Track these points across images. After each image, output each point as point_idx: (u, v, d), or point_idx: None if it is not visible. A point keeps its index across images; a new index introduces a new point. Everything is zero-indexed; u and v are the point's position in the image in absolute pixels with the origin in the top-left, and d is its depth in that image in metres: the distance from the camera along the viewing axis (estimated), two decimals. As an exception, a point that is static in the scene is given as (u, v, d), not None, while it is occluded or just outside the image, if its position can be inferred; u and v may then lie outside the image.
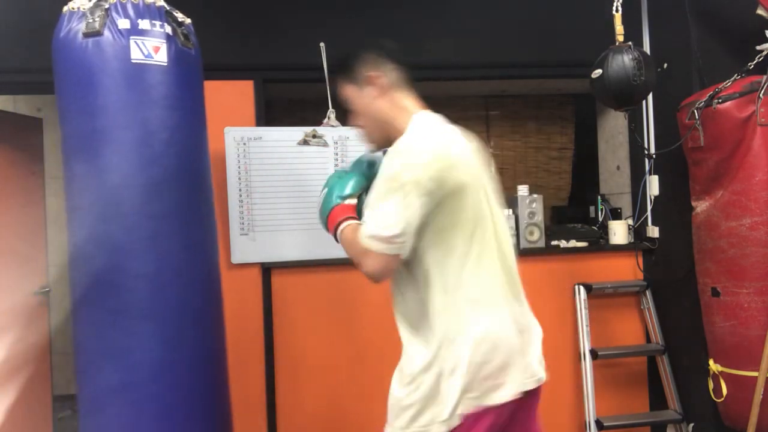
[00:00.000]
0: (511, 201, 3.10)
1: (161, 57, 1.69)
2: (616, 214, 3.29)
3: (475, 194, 1.40)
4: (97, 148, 1.66)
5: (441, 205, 1.35)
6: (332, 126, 2.80)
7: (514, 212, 3.02)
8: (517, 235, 3.00)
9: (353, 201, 1.54)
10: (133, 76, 1.66)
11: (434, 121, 1.47)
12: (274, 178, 2.76)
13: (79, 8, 1.68)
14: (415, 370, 1.38)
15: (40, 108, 4.17)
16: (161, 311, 1.67)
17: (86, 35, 1.65)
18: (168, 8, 1.75)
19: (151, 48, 1.68)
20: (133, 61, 1.65)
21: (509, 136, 4.53)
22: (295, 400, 2.80)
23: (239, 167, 2.73)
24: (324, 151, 2.79)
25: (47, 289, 3.20)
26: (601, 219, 3.31)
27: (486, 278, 1.40)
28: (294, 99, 3.98)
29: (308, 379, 2.81)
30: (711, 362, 2.38)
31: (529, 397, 1.44)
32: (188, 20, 1.85)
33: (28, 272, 3.10)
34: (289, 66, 2.90)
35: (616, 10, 2.28)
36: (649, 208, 3.03)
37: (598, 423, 2.77)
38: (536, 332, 1.51)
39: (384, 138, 1.49)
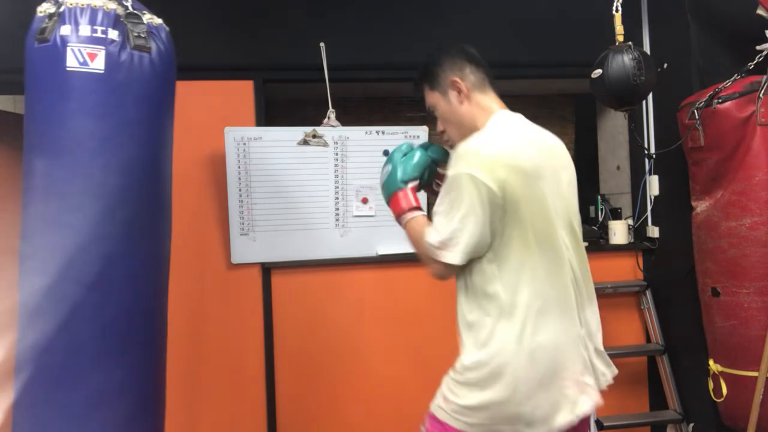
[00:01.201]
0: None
1: (98, 64, 1.64)
2: (616, 214, 3.29)
3: (535, 204, 1.37)
4: (33, 157, 1.70)
5: (502, 211, 1.34)
6: (332, 126, 2.80)
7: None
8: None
9: (415, 183, 1.55)
10: (66, 85, 1.64)
11: (508, 123, 1.47)
12: (274, 178, 2.76)
13: (44, 12, 1.67)
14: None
15: (40, 108, 4.17)
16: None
17: (38, 41, 1.66)
18: (130, 10, 1.70)
19: (87, 55, 1.64)
20: (67, 69, 1.63)
21: (509, 136, 4.52)
22: (295, 400, 2.80)
23: (239, 167, 2.73)
24: (324, 151, 2.79)
25: (47, 289, 3.19)
26: (601, 219, 3.31)
27: (540, 291, 1.36)
28: (294, 99, 3.97)
29: (308, 378, 2.80)
30: (711, 362, 2.38)
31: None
32: (157, 21, 1.78)
33: (28, 272, 3.10)
34: (289, 66, 2.90)
35: (616, 10, 2.27)
36: (649, 208, 3.03)
37: (598, 423, 2.77)
38: (599, 350, 1.48)
39: None
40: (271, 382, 2.77)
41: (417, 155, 1.56)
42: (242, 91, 2.83)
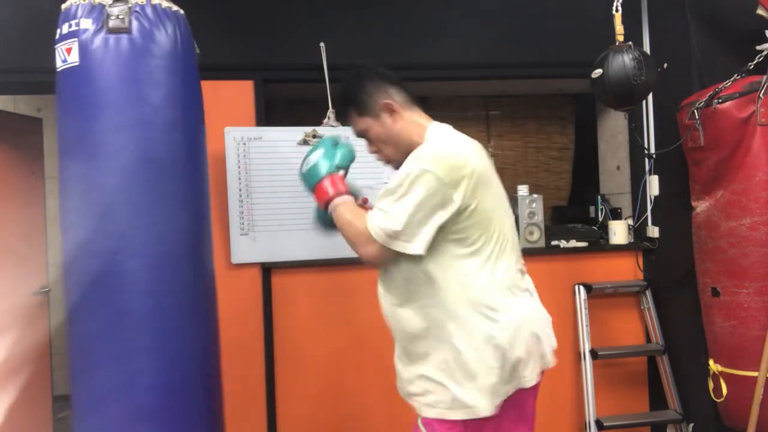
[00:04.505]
0: (511, 201, 3.08)
1: (73, 58, 1.62)
2: (616, 214, 3.29)
3: (488, 199, 1.50)
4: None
5: (459, 209, 1.43)
6: (332, 126, 2.80)
7: (514, 212, 3.01)
8: (517, 235, 2.99)
9: (343, 173, 1.58)
10: (59, 86, 1.66)
11: (448, 131, 1.57)
12: (274, 178, 2.76)
13: None
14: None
15: (40, 108, 4.17)
16: (155, 314, 1.65)
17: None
18: None
19: (65, 51, 1.63)
20: (58, 70, 1.64)
21: (509, 136, 4.53)
22: (295, 400, 2.80)
23: (239, 167, 2.73)
24: (324, 151, 2.79)
25: (47, 289, 3.20)
26: (601, 219, 3.31)
27: (501, 275, 1.50)
28: (294, 99, 3.98)
29: (308, 378, 2.80)
30: (711, 362, 2.38)
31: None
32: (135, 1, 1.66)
33: (28, 272, 3.10)
34: (289, 66, 2.90)
35: (616, 10, 2.27)
36: (649, 208, 3.03)
37: (598, 423, 2.77)
38: (549, 320, 1.66)
39: (405, 156, 1.53)
40: (271, 382, 2.77)
41: (346, 146, 1.62)
42: (242, 91, 2.83)
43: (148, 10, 1.66)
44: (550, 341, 1.61)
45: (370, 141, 1.61)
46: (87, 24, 1.61)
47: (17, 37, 2.63)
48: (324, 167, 1.56)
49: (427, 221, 1.42)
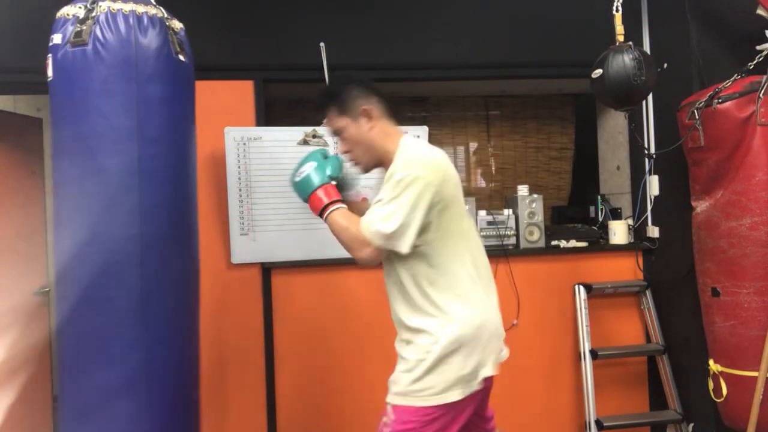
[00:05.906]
0: (511, 201, 3.10)
1: (50, 72, 1.69)
2: (616, 214, 3.29)
3: (458, 205, 1.65)
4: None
5: (438, 212, 1.56)
6: (332, 126, 2.80)
7: (514, 212, 3.02)
8: (517, 235, 2.99)
9: (334, 182, 1.70)
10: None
11: (422, 142, 1.72)
12: (274, 178, 2.76)
13: None
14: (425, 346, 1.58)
15: (40, 108, 4.16)
16: (147, 314, 1.69)
17: None
18: (89, 7, 1.64)
19: (47, 65, 1.69)
20: (48, 82, 1.71)
21: (509, 136, 4.53)
22: (295, 400, 2.80)
23: (239, 167, 2.73)
24: (324, 151, 2.79)
25: (47, 289, 3.20)
26: (601, 219, 3.31)
27: (467, 274, 1.63)
28: (294, 99, 3.98)
29: (308, 379, 2.81)
30: (711, 362, 2.38)
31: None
32: (103, 7, 1.63)
33: (28, 272, 3.10)
34: (289, 66, 2.91)
35: (616, 10, 2.27)
36: (649, 208, 3.03)
37: (598, 423, 2.77)
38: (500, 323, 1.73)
39: (374, 162, 1.70)
40: (271, 382, 2.77)
41: (336, 158, 1.73)
42: (242, 91, 2.83)
43: (108, 18, 1.64)
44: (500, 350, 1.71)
45: (344, 140, 1.70)
46: (58, 39, 1.66)
47: (17, 37, 2.63)
48: (317, 178, 1.67)
49: (415, 222, 1.53)
